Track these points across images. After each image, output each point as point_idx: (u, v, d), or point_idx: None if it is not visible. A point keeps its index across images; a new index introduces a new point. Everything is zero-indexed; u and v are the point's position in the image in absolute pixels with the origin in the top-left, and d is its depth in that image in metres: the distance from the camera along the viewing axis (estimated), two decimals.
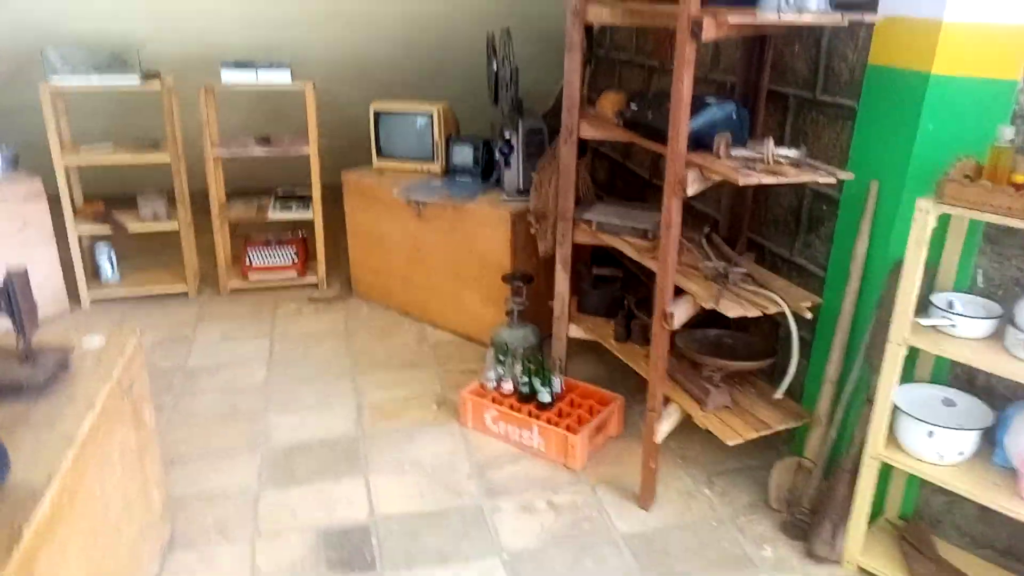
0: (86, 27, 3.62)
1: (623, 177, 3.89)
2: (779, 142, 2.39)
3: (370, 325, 3.61)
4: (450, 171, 3.55)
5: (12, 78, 3.94)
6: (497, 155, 3.26)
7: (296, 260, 3.96)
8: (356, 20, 3.93)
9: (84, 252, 3.77)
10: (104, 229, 3.70)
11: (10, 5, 3.45)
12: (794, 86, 2.41)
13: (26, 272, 1.73)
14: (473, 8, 3.93)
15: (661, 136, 2.16)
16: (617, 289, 2.87)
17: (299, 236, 4.07)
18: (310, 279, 4.00)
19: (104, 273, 3.86)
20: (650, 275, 2.41)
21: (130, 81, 3.50)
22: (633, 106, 2.35)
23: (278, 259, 3.95)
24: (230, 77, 3.59)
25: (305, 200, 3.92)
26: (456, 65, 4.35)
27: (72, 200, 3.65)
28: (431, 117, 3.55)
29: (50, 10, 3.54)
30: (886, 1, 1.94)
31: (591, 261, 2.96)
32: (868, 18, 1.90)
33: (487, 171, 3.47)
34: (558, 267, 2.77)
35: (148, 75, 3.55)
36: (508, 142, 3.18)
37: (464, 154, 3.48)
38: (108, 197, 3.85)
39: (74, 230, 3.67)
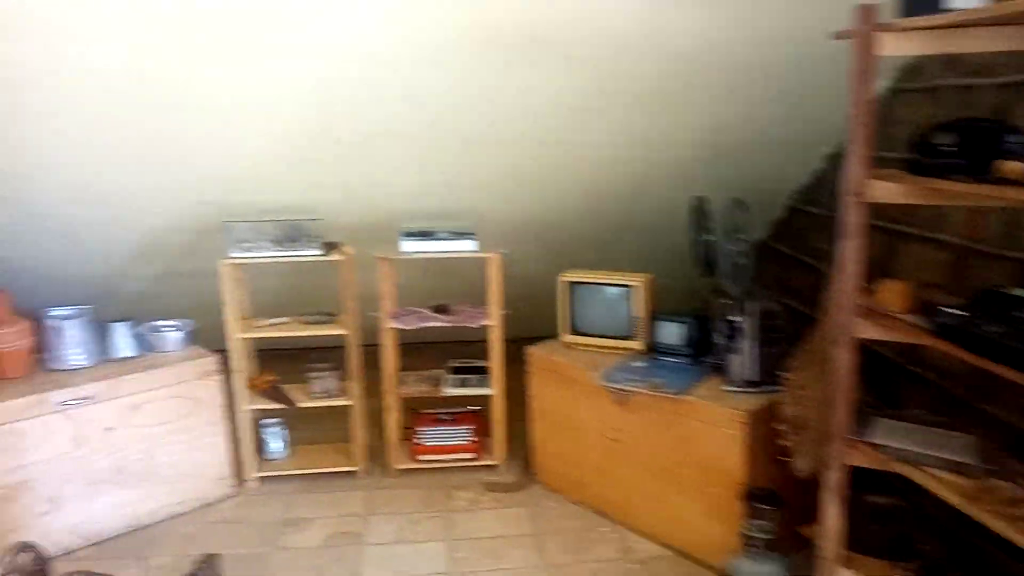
0: (266, 199, 3.53)
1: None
2: None
3: (561, 527, 3.11)
4: (654, 351, 3.10)
5: (193, 248, 3.91)
6: (720, 338, 2.79)
7: (471, 441, 3.56)
8: (539, 185, 3.67)
9: (252, 426, 3.54)
10: (273, 404, 3.48)
11: (196, 184, 3.41)
12: None
13: None
14: (668, 173, 3.58)
15: (1015, 357, 1.62)
16: (900, 523, 2.26)
17: (474, 411, 3.70)
18: (485, 460, 3.58)
19: (271, 450, 3.61)
20: (944, 505, 1.81)
21: (312, 254, 3.34)
22: (952, 309, 1.83)
23: (451, 439, 3.57)
24: (411, 246, 3.36)
25: (482, 373, 3.56)
26: (646, 233, 4.01)
27: (244, 374, 3.46)
28: (631, 290, 3.15)
29: (231, 184, 3.48)
30: None
31: (856, 481, 2.38)
32: None
33: (700, 352, 2.99)
34: (826, 497, 2.20)
35: (328, 245, 3.38)
36: (734, 324, 2.71)
37: (673, 333, 3.03)
38: (277, 352, 3.64)
39: (244, 407, 3.46)
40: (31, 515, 2.90)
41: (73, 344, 3.15)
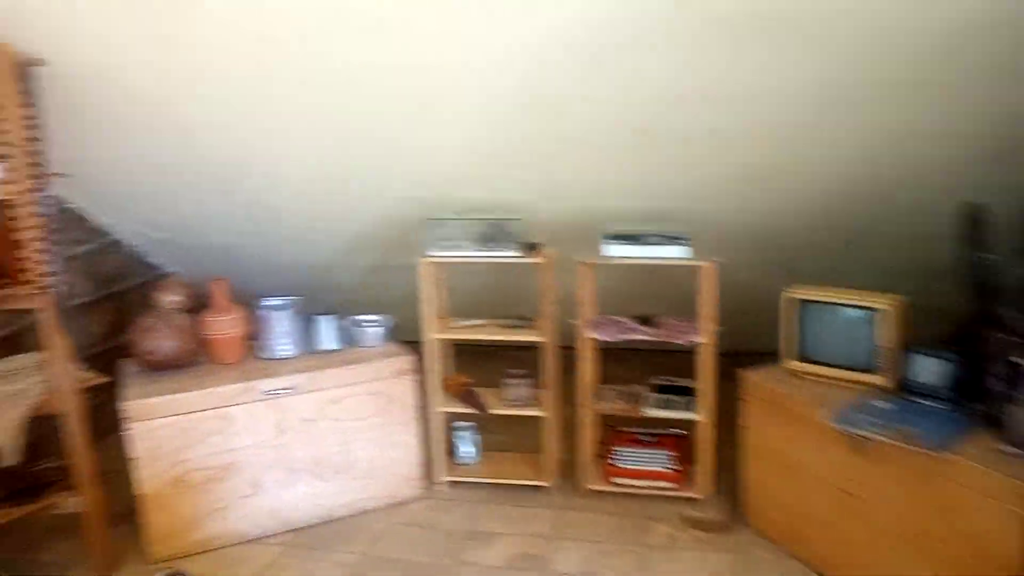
0: (471, 195, 3.41)
1: None
2: None
3: None
4: (906, 390, 2.57)
5: (400, 243, 3.91)
6: (996, 383, 2.22)
7: (673, 468, 3.22)
8: (766, 185, 3.22)
9: (444, 428, 3.47)
10: (466, 408, 3.36)
11: (403, 176, 3.36)
12: None
13: None
14: (930, 174, 2.97)
15: None
16: None
17: (677, 435, 3.35)
18: (687, 491, 3.22)
19: (462, 454, 3.51)
20: None
21: (510, 254, 3.17)
22: None
23: (651, 463, 3.25)
24: (617, 251, 3.08)
25: (689, 395, 3.20)
26: (889, 244, 3.41)
27: (438, 374, 3.39)
28: (878, 314, 2.63)
29: (439, 179, 3.40)
30: None
31: None
32: None
33: (965, 397, 2.42)
34: None
35: (528, 246, 3.20)
36: (1019, 367, 2.13)
37: (931, 370, 2.48)
38: (473, 348, 3.52)
39: (437, 408, 3.38)
40: (236, 496, 3.01)
41: (281, 334, 3.24)
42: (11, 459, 2.54)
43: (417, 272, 3.26)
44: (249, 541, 3.02)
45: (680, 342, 3.08)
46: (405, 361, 3.25)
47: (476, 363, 3.67)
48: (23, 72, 2.57)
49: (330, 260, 4.31)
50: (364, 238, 4.06)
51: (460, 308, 3.50)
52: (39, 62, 2.66)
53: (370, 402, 3.20)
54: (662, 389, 3.29)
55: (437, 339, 3.34)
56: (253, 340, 3.27)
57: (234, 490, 3.01)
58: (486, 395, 3.41)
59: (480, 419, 3.44)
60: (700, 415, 3.12)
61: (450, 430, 3.51)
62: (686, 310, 3.15)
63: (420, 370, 3.31)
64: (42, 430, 2.75)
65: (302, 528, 3.12)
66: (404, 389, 3.26)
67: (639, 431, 3.38)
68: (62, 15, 2.56)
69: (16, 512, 2.69)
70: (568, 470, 3.42)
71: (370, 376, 3.19)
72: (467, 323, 3.39)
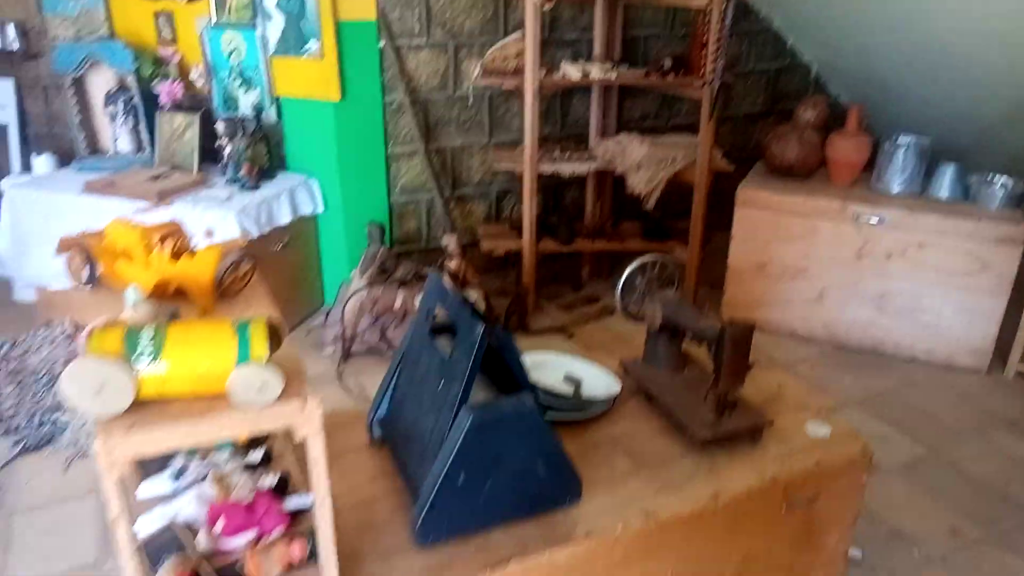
0: None
1: None
2: None
3: None
4: None
5: None
6: None
7: None
8: None
9: None
10: None
11: None
12: None
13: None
14: None
15: None
16: None
17: None
18: None
19: None
20: None
21: None
22: None
23: None
24: None
25: None
26: None
27: None
28: None
29: None
30: None
31: None
32: None
33: None
34: None
35: None
36: None
37: None
38: None
39: None
40: (800, 297, 3.42)
41: (896, 171, 3.32)
42: (650, 206, 3.45)
43: None
44: (796, 336, 3.44)
45: None
46: (1017, 231, 2.99)
47: None
48: None
49: (1004, 116, 3.93)
50: None
51: None
52: None
53: (961, 259, 3.10)
54: None
55: None
56: (871, 170, 3.42)
57: (801, 291, 3.41)
58: None
59: None
60: None
61: None
62: None
63: None
64: (679, 191, 3.61)
65: (846, 347, 3.37)
66: (1005, 259, 3.03)
67: None
68: None
69: (646, 246, 3.68)
70: None
71: (970, 233, 3.07)
72: None
